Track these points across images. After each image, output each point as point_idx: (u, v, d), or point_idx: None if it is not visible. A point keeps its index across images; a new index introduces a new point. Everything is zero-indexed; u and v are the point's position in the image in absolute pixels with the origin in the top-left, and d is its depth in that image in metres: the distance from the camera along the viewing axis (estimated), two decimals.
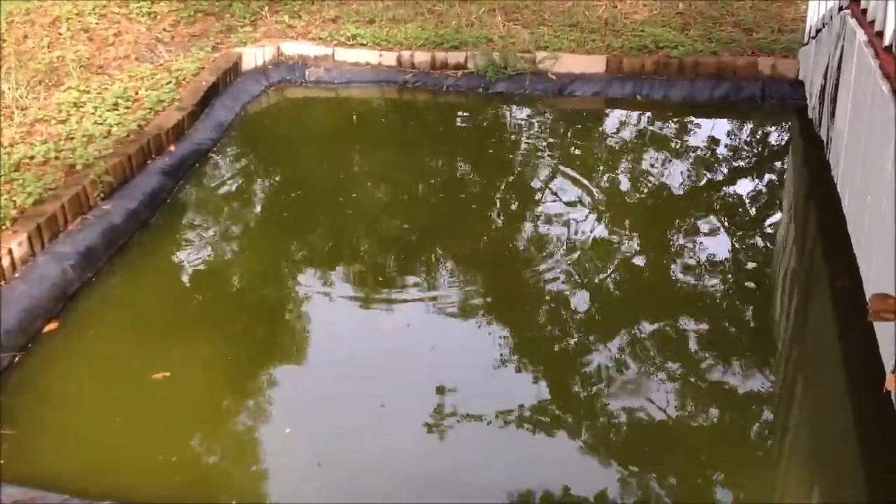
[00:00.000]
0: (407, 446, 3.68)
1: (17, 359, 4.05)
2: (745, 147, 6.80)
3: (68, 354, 4.17)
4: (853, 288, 3.99)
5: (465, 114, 7.39)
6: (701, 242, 5.25)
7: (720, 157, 6.52)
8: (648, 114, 7.20)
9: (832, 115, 5.21)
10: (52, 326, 4.32)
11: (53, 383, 3.98)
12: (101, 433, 3.70)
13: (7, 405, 3.78)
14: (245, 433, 3.77)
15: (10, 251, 4.42)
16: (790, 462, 3.68)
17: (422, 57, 7.77)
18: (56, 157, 5.37)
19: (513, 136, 6.95)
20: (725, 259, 5.10)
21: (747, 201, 5.84)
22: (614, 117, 7.24)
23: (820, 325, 4.53)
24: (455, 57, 7.73)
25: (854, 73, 4.57)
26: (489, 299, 4.71)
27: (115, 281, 4.76)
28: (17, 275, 4.44)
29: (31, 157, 5.34)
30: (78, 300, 4.54)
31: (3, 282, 4.34)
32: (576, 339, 4.39)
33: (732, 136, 6.93)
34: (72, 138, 5.66)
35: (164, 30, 8.24)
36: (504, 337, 4.39)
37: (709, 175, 6.26)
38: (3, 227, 4.56)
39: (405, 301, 4.68)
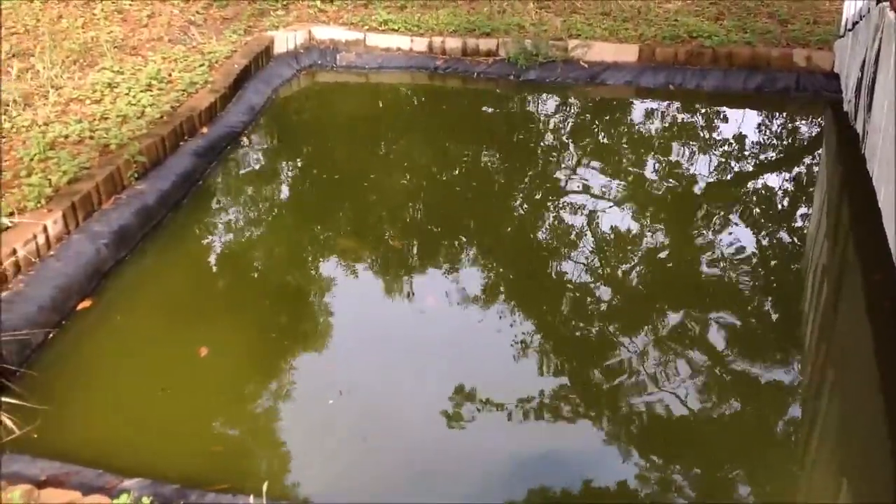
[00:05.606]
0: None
1: (51, 335, 4.10)
2: (779, 139, 6.74)
3: (102, 332, 4.21)
4: (887, 282, 3.96)
5: (495, 101, 7.37)
6: (731, 234, 5.22)
7: (753, 148, 6.47)
8: (680, 103, 7.16)
9: (868, 108, 5.16)
10: (85, 304, 4.36)
11: (87, 360, 4.03)
12: (135, 409, 3.74)
13: (41, 381, 3.82)
14: (283, 407, 3.79)
15: (44, 229, 4.47)
16: (819, 457, 3.66)
17: (453, 43, 7.76)
18: (90, 137, 5.42)
19: (543, 124, 6.93)
20: (756, 251, 5.07)
21: (779, 194, 5.80)
22: (646, 106, 7.20)
23: (852, 318, 4.50)
24: (486, 44, 7.71)
25: (892, 67, 4.51)
26: (520, 281, 4.72)
27: (148, 260, 4.80)
28: (51, 252, 4.49)
29: (66, 136, 5.39)
30: (111, 278, 4.59)
31: (38, 259, 4.39)
32: (601, 329, 4.38)
33: (766, 128, 6.87)
34: (106, 118, 5.71)
35: (197, 12, 8.28)
36: (530, 321, 4.40)
37: (741, 166, 6.22)
38: (39, 206, 4.61)
39: (432, 281, 4.71)
